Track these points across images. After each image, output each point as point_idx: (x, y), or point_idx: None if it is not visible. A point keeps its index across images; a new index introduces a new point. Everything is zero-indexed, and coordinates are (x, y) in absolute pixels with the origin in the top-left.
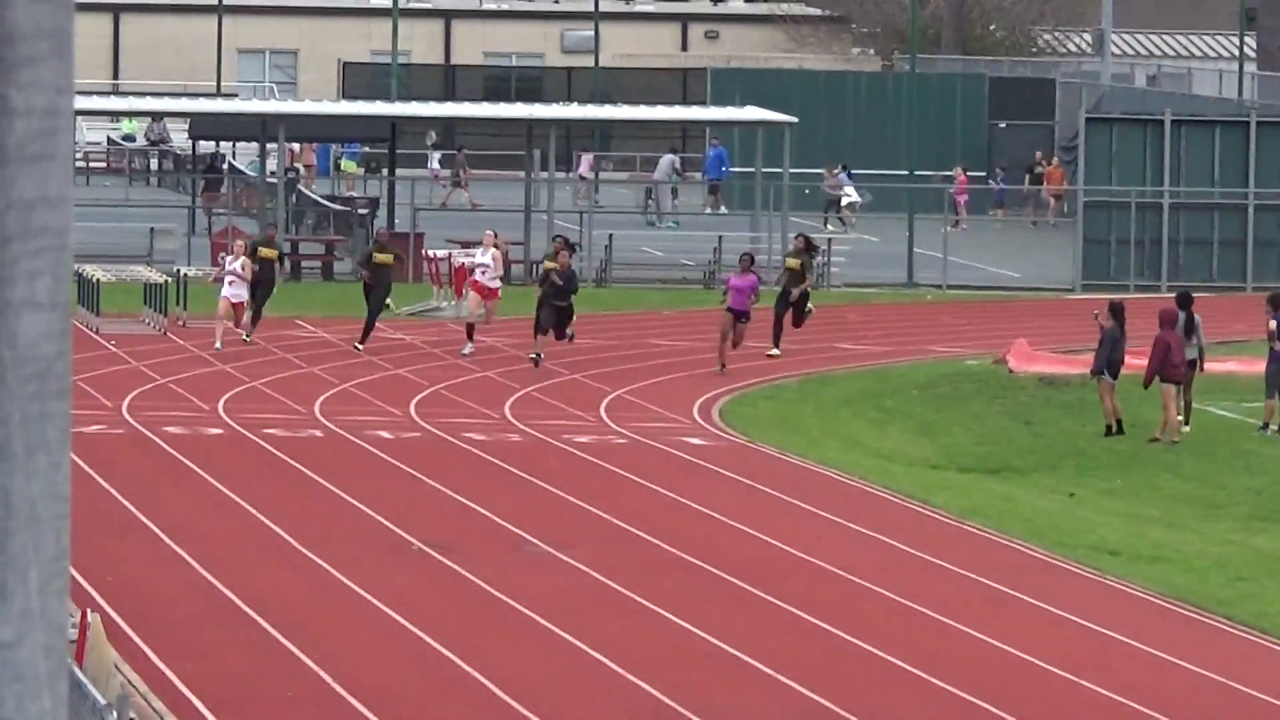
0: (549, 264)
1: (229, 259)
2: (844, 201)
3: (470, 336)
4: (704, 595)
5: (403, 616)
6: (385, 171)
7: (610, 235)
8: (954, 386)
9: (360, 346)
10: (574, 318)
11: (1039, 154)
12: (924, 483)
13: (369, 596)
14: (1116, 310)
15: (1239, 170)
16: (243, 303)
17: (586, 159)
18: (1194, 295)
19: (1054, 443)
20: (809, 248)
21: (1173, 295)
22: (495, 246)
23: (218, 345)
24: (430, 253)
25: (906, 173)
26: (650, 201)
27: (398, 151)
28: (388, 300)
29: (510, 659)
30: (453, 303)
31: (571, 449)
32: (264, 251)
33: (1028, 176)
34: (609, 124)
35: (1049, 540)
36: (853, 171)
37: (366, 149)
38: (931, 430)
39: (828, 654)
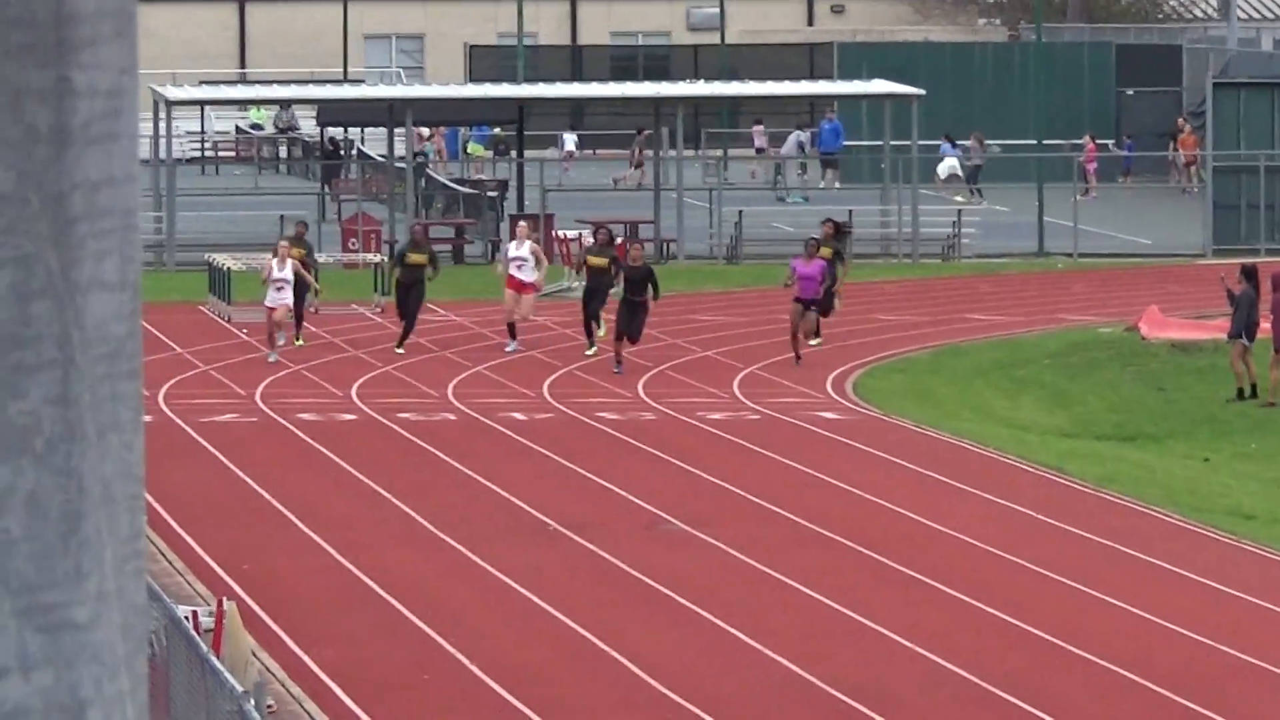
0: (595, 260)
1: (275, 262)
2: (943, 174)
3: (513, 335)
4: (840, 569)
5: (539, 597)
6: (514, 154)
7: (740, 212)
8: (1086, 355)
9: (401, 349)
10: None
11: (1180, 119)
12: (1058, 451)
13: (505, 578)
14: (1250, 273)
15: None
16: (287, 305)
17: (759, 130)
18: None
19: (1188, 408)
20: (839, 233)
21: None
22: (530, 239)
23: (271, 358)
24: (561, 233)
25: (1035, 142)
26: (779, 177)
27: (526, 133)
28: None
29: (648, 637)
30: (583, 283)
31: (705, 426)
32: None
33: (1171, 142)
34: (737, 101)
35: (1185, 506)
36: (956, 142)
37: (495, 131)
38: (1065, 399)
39: (965, 625)
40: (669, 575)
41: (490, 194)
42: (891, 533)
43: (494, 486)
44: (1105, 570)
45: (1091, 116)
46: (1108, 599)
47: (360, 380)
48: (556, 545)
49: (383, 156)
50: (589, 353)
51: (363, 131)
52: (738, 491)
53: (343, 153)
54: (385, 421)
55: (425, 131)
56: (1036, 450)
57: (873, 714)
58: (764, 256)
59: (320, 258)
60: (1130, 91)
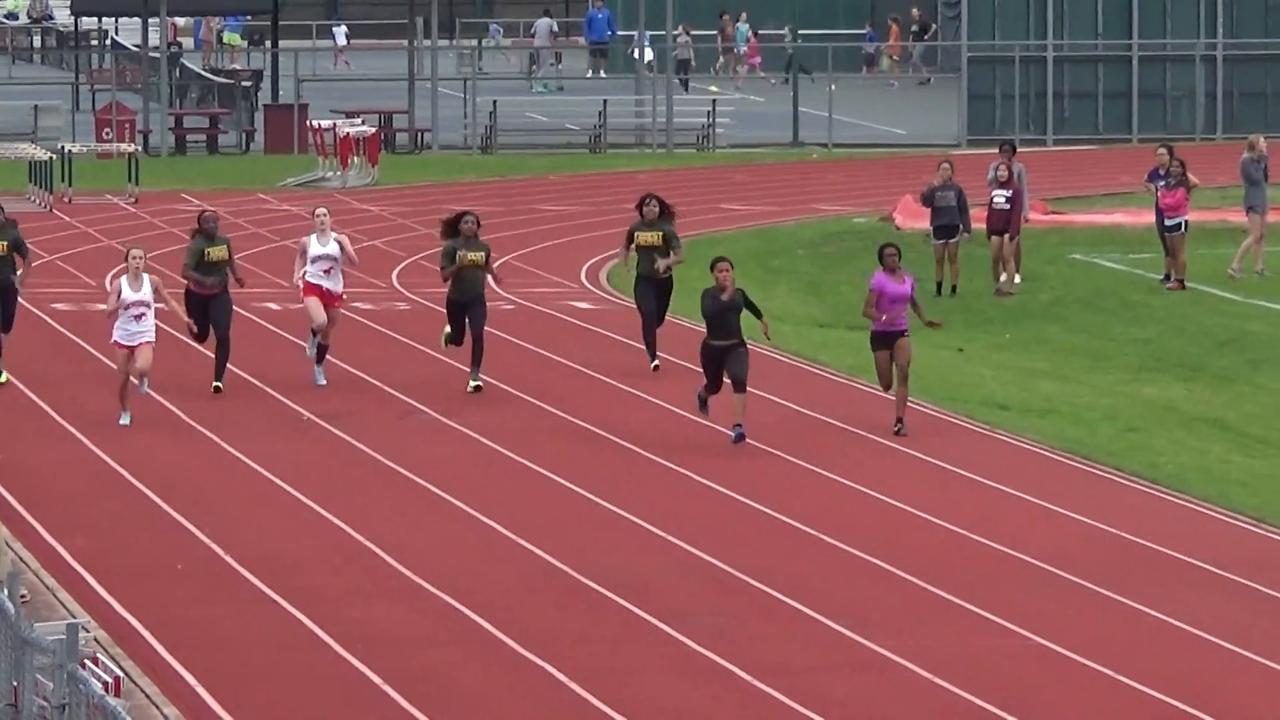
0: (471, 256)
1: (124, 280)
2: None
3: (320, 358)
4: (594, 459)
5: (293, 487)
6: (268, 44)
7: (494, 102)
8: (841, 244)
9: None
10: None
11: (915, 11)
12: (812, 341)
13: (259, 467)
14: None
15: (1122, 22)
16: (147, 343)
17: (543, 23)
18: (1078, 147)
19: (942, 298)
20: (664, 212)
21: (1059, 148)
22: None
23: (125, 419)
24: (315, 123)
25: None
26: (534, 67)
27: (280, 23)
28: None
29: (403, 526)
30: (338, 172)
31: None
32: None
33: (912, 34)
34: None
35: (939, 396)
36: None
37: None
38: (819, 289)
39: (718, 515)
40: (422, 465)
41: (244, 84)
42: (644, 422)
43: (248, 376)
44: (859, 460)
45: (845, 6)
46: (861, 488)
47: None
48: (311, 435)
49: (137, 46)
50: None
51: (117, 21)
52: (491, 381)
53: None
54: None
55: (180, 21)
56: (791, 340)
57: (626, 603)
58: (518, 146)
59: (74, 147)
60: None
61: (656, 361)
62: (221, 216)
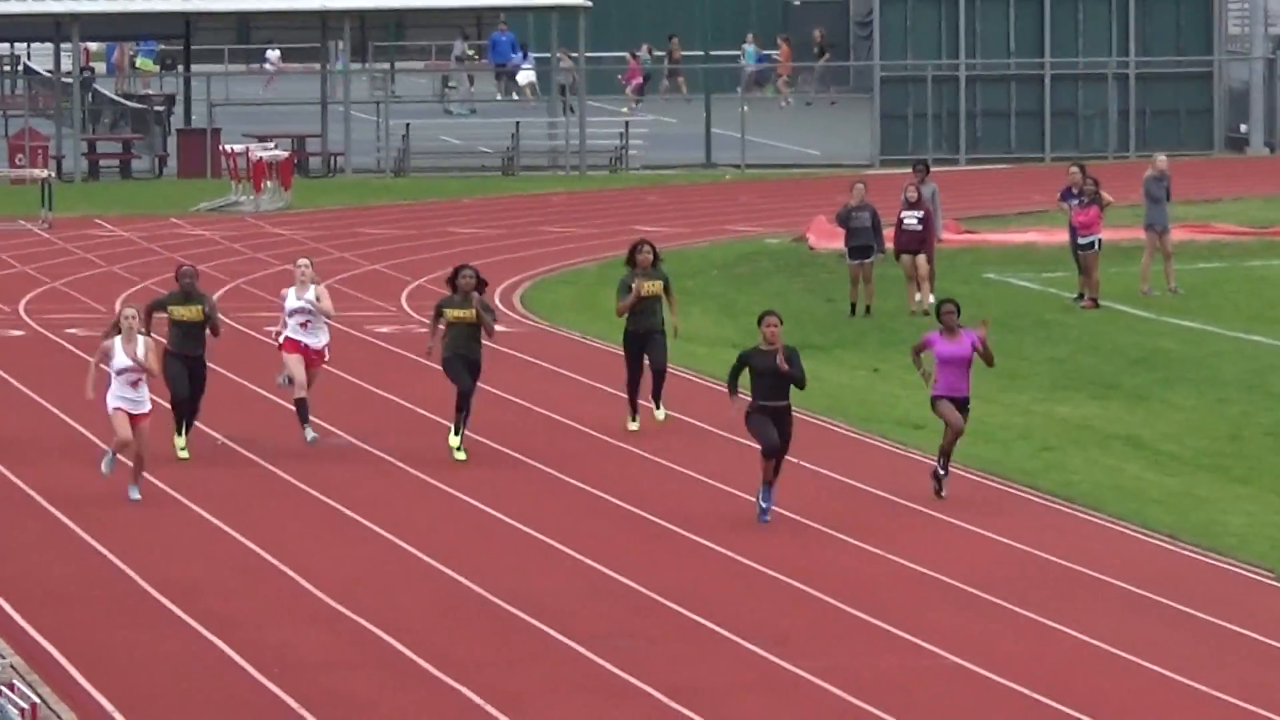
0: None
1: (117, 341)
2: (522, 79)
3: (304, 417)
4: (508, 481)
5: (208, 511)
6: (181, 68)
7: (407, 125)
8: (754, 265)
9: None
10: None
11: (817, 33)
12: (726, 362)
13: (173, 491)
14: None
15: (1034, 41)
16: (145, 415)
17: (458, 44)
18: (991, 166)
19: (856, 319)
20: (657, 259)
21: (971, 168)
22: (317, 281)
23: (134, 496)
24: (228, 148)
25: (702, 53)
26: (447, 90)
27: (193, 48)
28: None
29: (316, 550)
30: (251, 197)
31: (372, 339)
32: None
33: (815, 54)
34: (403, 14)
35: (853, 416)
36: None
37: (162, 46)
38: (733, 310)
39: (630, 535)
40: (336, 488)
41: (157, 109)
42: (560, 445)
43: (160, 401)
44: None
45: (759, 23)
46: (777, 510)
47: (28, 296)
48: (225, 460)
49: (49, 71)
50: (631, 427)
51: (29, 46)
52: (405, 404)
53: None
54: (53, 337)
55: (93, 46)
56: (705, 362)
57: (541, 625)
58: (431, 169)
59: None
60: (797, 1)
61: (636, 425)
62: (133, 241)
